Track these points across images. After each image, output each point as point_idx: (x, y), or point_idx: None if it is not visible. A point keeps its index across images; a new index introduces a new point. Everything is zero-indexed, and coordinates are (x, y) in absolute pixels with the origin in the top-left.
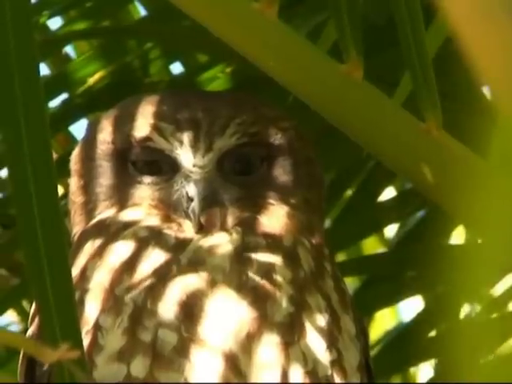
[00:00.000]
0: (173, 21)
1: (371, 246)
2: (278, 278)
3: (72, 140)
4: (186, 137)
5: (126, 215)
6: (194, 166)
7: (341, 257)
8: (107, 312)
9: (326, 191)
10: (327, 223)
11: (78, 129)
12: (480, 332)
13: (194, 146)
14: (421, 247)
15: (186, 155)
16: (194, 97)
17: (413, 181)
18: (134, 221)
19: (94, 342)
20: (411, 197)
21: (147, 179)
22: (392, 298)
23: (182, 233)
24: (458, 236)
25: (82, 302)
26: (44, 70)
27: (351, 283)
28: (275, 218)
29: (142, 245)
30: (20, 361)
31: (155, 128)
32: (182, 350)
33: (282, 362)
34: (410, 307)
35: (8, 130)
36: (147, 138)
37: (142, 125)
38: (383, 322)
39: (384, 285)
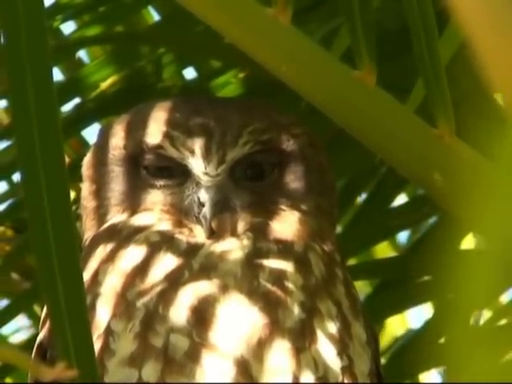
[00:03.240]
0: (186, 26)
1: (383, 251)
2: (290, 284)
3: (84, 144)
4: (198, 147)
5: (138, 220)
6: (205, 174)
7: (352, 262)
8: (119, 317)
9: (337, 197)
10: (339, 229)
11: (91, 133)
12: (489, 339)
13: (207, 157)
14: (432, 253)
15: (198, 164)
16: (207, 104)
17: (425, 187)
18: (146, 225)
19: (106, 346)
20: (423, 203)
21: (159, 183)
22: (402, 304)
23: (194, 238)
24: (469, 242)
25: (93, 306)
26: (57, 74)
27: (362, 289)
28: (287, 224)
29: (154, 249)
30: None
31: (167, 136)
32: (193, 355)
33: (293, 368)
34: (420, 314)
35: (21, 134)
36: (159, 146)
37: (154, 132)
38: (393, 328)
39: (394, 291)
